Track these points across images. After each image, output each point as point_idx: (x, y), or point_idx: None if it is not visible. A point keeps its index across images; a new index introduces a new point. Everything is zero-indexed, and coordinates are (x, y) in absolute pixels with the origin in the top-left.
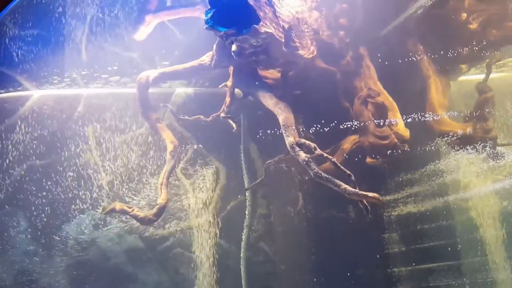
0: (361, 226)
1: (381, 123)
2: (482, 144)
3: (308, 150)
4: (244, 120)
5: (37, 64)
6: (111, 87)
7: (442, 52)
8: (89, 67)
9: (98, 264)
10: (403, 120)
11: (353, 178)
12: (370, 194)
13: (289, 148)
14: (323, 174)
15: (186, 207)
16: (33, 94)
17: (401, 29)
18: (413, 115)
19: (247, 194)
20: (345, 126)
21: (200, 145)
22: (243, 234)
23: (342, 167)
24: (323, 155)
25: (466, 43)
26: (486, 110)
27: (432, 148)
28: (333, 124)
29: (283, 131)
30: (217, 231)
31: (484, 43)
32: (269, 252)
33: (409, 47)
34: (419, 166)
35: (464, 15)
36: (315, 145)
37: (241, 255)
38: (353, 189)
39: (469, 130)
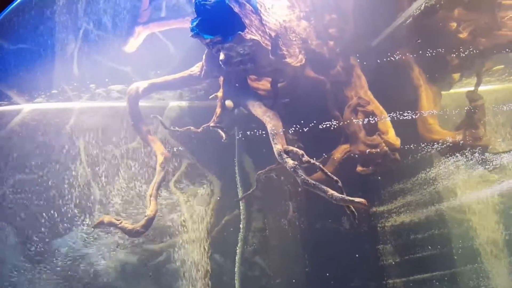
0: (355, 237)
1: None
2: (471, 150)
3: (295, 157)
4: (239, 132)
5: (27, 78)
6: (102, 101)
7: (432, 62)
8: (79, 80)
9: (88, 280)
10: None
11: (340, 184)
12: (356, 199)
13: (277, 156)
14: (310, 181)
15: (179, 221)
16: (24, 108)
17: (392, 39)
18: (407, 114)
19: (241, 207)
20: (333, 131)
21: (194, 159)
22: (237, 248)
23: (329, 173)
24: (310, 161)
25: (456, 52)
26: (477, 118)
27: (423, 156)
28: (323, 132)
29: (271, 139)
30: (212, 246)
31: (474, 51)
32: (265, 267)
33: (400, 57)
34: (410, 175)
35: (454, 24)
36: (302, 152)
37: (236, 270)
38: (339, 195)
39: (459, 138)
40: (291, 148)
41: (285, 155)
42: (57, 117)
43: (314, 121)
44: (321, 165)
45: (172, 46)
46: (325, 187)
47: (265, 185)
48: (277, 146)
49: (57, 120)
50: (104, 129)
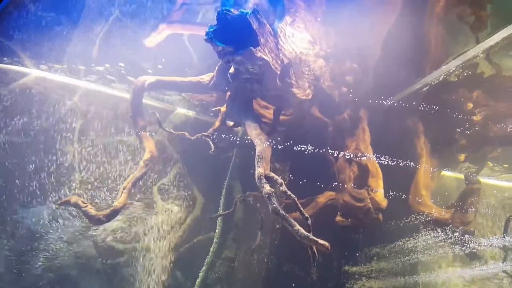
0: None
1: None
2: (453, 229)
3: (274, 185)
4: (236, 158)
5: (44, 45)
6: (111, 88)
7: (440, 135)
8: (95, 62)
9: (43, 258)
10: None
11: (309, 222)
12: (320, 241)
13: (256, 179)
14: (281, 211)
15: (151, 228)
16: (31, 73)
17: (406, 103)
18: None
19: (217, 231)
20: (323, 174)
21: (184, 170)
22: (201, 271)
23: (301, 208)
24: (287, 192)
25: (466, 133)
26: (469, 201)
27: (406, 225)
28: (313, 173)
29: (256, 161)
30: (176, 261)
31: (485, 136)
32: None
33: (409, 124)
34: (389, 241)
35: (470, 105)
36: (282, 181)
37: None
38: (305, 232)
39: (447, 216)
40: (272, 175)
41: (264, 180)
42: (61, 91)
43: (307, 160)
44: (295, 199)
45: (196, 56)
46: (293, 221)
47: (247, 216)
48: (259, 170)
49: (60, 93)
50: (104, 115)
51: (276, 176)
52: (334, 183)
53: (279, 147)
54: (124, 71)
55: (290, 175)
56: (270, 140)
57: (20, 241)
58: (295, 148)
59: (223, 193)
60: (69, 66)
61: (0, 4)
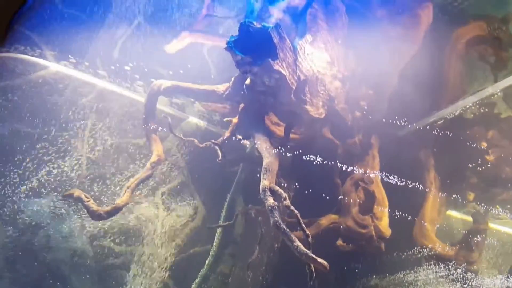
0: None
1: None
2: (455, 265)
3: (278, 198)
4: (242, 173)
5: (67, 41)
6: (127, 89)
7: (451, 171)
8: (116, 63)
9: (38, 250)
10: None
11: (310, 239)
12: (319, 259)
13: (260, 191)
14: (282, 225)
15: (150, 233)
16: (50, 66)
17: (419, 135)
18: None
19: (215, 244)
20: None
21: (189, 179)
22: (194, 284)
23: (302, 224)
24: (290, 207)
25: (477, 169)
26: (475, 241)
27: (408, 257)
28: (319, 193)
29: (262, 173)
30: (170, 270)
31: (496, 177)
32: None
33: (421, 156)
34: (389, 272)
35: (485, 144)
36: (286, 196)
37: None
38: (304, 249)
39: (450, 253)
40: (277, 188)
41: (268, 193)
42: (78, 87)
43: (313, 180)
44: (298, 214)
45: (213, 68)
46: (293, 237)
47: (246, 233)
48: (265, 182)
49: (77, 89)
50: (117, 115)
51: (280, 190)
52: (339, 207)
53: (287, 165)
54: (141, 75)
55: (295, 194)
56: (278, 154)
57: (19, 228)
58: (302, 168)
59: (225, 206)
60: (89, 64)
61: None
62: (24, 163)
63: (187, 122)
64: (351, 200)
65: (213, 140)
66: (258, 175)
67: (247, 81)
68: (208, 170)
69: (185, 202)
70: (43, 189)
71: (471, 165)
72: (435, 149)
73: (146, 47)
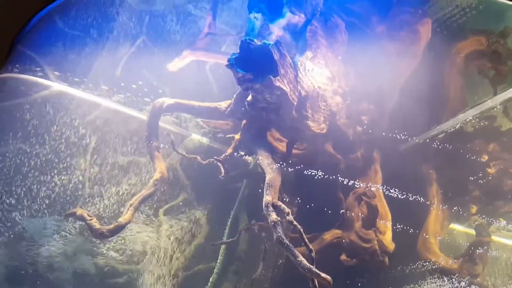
0: None
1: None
2: (459, 278)
3: (281, 214)
4: (245, 189)
5: (69, 61)
6: (130, 108)
7: (453, 184)
8: (116, 82)
9: (41, 270)
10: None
11: (313, 254)
12: (323, 274)
13: (263, 206)
14: (285, 241)
15: (153, 251)
16: (53, 87)
17: (421, 149)
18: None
19: (219, 262)
20: (332, 211)
21: (192, 196)
22: None
23: (306, 239)
24: (293, 222)
25: (479, 182)
26: (478, 254)
27: (412, 271)
28: (321, 208)
29: (265, 189)
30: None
31: (498, 190)
32: None
33: (423, 170)
34: (393, 286)
35: (486, 157)
36: (289, 211)
37: None
38: (308, 264)
39: (454, 267)
40: (280, 203)
41: (271, 208)
42: (80, 106)
43: (316, 195)
44: (301, 229)
45: (216, 86)
46: (297, 252)
47: (250, 250)
48: (267, 197)
49: (78, 109)
50: (119, 133)
51: (283, 205)
52: (342, 221)
53: (290, 180)
54: (144, 93)
55: (297, 209)
56: (281, 169)
57: (21, 251)
58: (305, 183)
59: (229, 223)
60: (91, 84)
61: (33, 18)
62: (27, 182)
63: (190, 139)
64: (354, 214)
65: (216, 157)
66: (261, 190)
67: (249, 98)
68: (211, 187)
69: (188, 219)
70: (45, 209)
71: (472, 178)
72: (436, 163)
73: (148, 66)
